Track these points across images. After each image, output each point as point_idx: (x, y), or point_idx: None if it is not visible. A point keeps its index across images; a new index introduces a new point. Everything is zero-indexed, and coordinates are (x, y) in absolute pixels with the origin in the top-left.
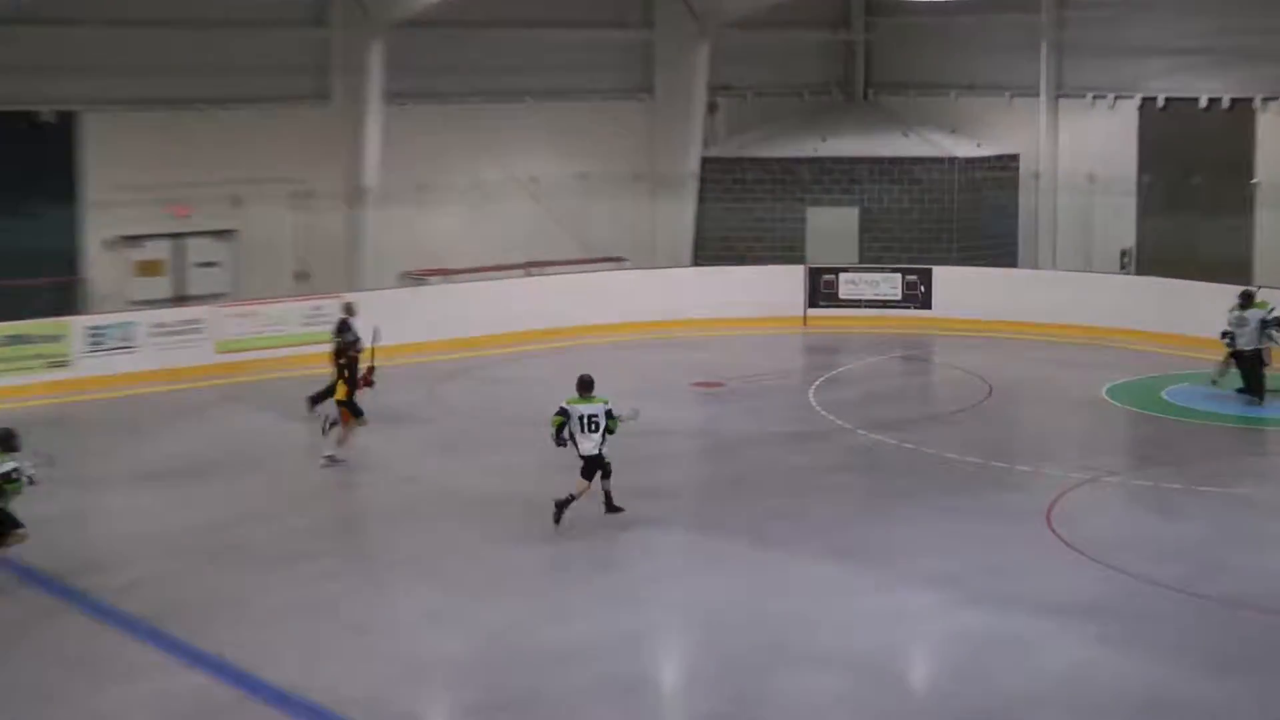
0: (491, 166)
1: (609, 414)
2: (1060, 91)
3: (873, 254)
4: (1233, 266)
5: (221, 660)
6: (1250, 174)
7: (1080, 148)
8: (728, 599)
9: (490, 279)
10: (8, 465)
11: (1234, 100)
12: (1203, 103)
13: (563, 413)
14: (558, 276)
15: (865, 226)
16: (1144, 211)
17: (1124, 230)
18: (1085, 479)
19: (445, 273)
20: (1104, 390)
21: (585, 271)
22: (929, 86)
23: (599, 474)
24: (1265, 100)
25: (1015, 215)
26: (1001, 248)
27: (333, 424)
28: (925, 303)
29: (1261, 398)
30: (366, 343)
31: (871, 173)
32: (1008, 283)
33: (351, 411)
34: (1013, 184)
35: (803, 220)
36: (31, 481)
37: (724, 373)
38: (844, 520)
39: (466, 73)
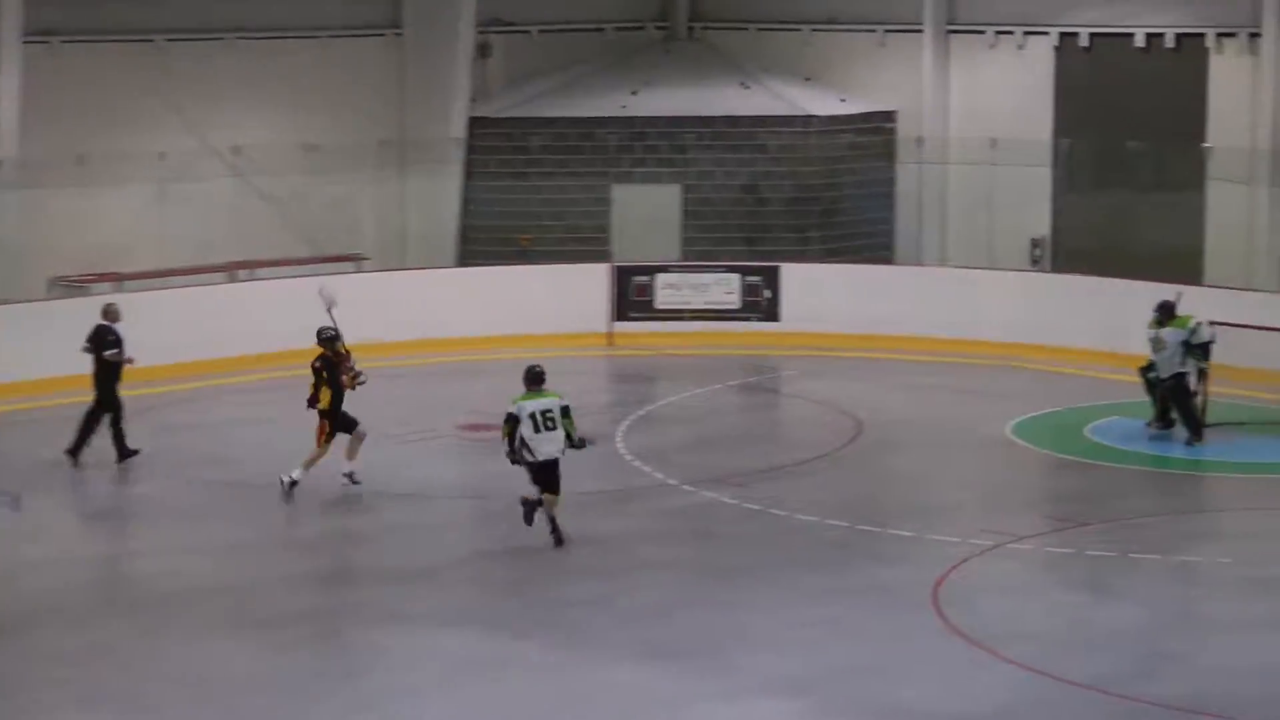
0: (183, 132)
1: (566, 410)
2: (951, 25)
3: (701, 248)
4: (1179, 258)
5: None
6: (1201, 136)
7: (978, 102)
8: (514, 718)
9: (180, 286)
10: None
11: (1180, 37)
12: (1140, 41)
13: (511, 418)
14: (275, 282)
15: (691, 211)
16: (1063, 188)
17: (1036, 213)
18: (985, 547)
19: (116, 278)
20: (1010, 427)
21: (313, 275)
22: (775, 21)
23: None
24: (1221, 37)
25: (892, 194)
26: (874, 237)
27: (291, 484)
28: (771, 313)
29: (1199, 434)
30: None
31: (700, 138)
32: (883, 284)
33: (341, 425)
34: (888, 151)
35: (607, 203)
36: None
37: (502, 411)
38: (667, 607)
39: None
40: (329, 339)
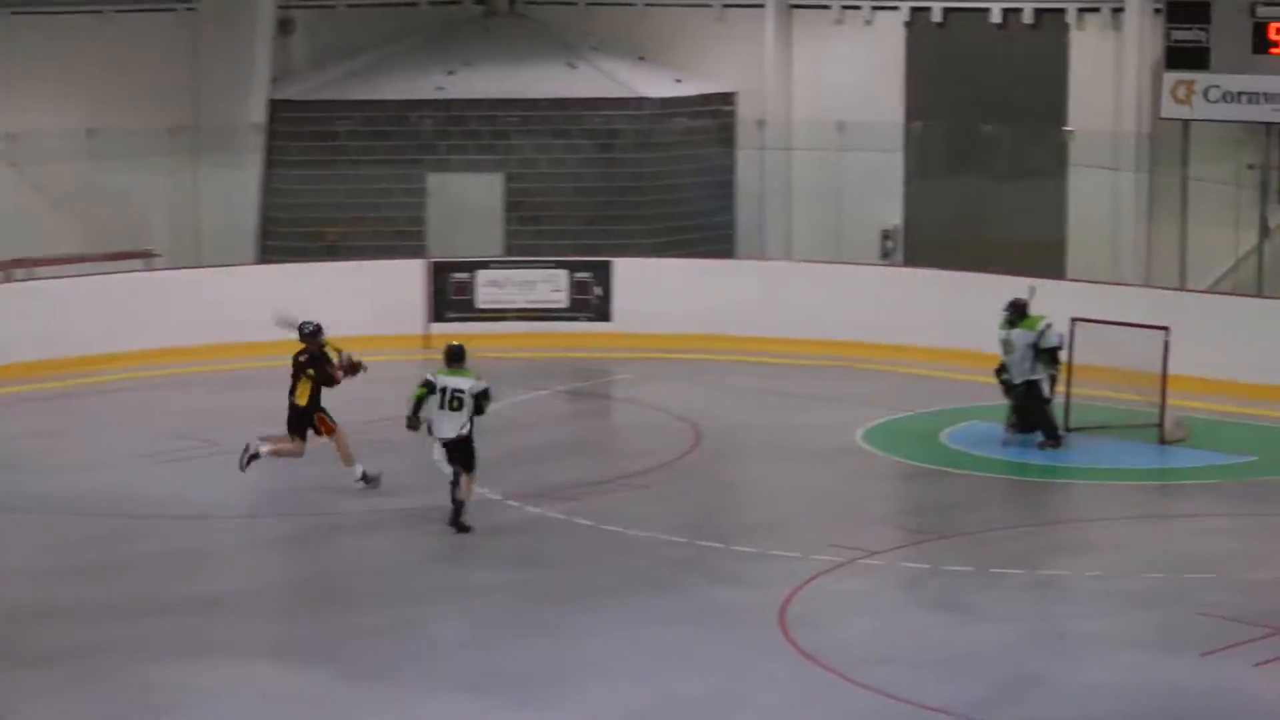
0: None
1: (481, 394)
2: (794, 0)
3: (525, 242)
4: (1039, 250)
5: None
6: (1061, 119)
7: (823, 83)
8: None
9: None
10: None
11: (1039, 13)
12: (996, 16)
13: (428, 385)
14: (56, 282)
15: (515, 202)
16: (915, 175)
17: (887, 202)
18: (835, 563)
19: None
20: (860, 434)
21: (96, 274)
22: None
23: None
24: (1082, 12)
25: (732, 182)
26: (713, 229)
27: (251, 457)
28: (603, 312)
29: (1055, 440)
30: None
31: (523, 122)
32: (723, 280)
33: (305, 426)
34: (728, 136)
35: (423, 193)
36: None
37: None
38: (486, 636)
39: None
40: (312, 333)
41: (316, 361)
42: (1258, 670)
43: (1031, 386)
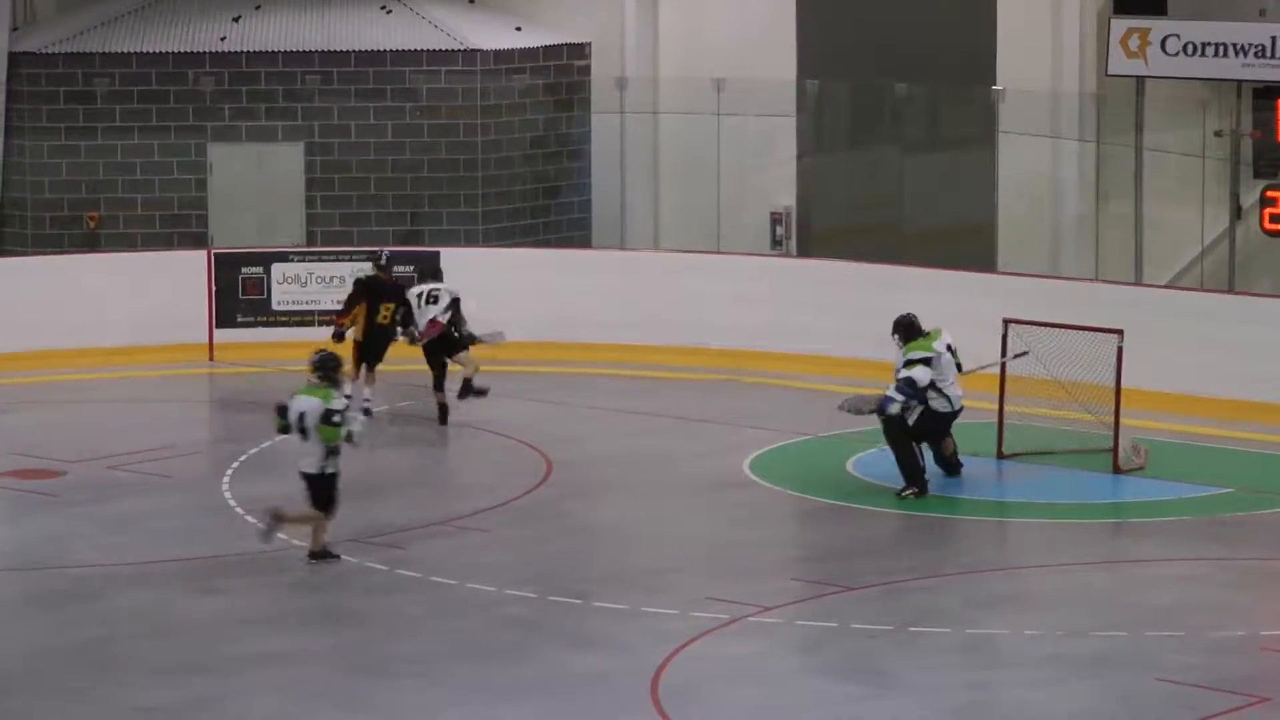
0: None
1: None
2: None
3: (333, 228)
4: (966, 236)
5: None
6: (990, 78)
7: (697, 32)
8: None
9: None
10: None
11: None
12: None
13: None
14: None
15: (319, 179)
16: (811, 145)
17: (778, 178)
18: (719, 621)
19: None
20: (747, 462)
21: None
22: None
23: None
24: None
25: (586, 154)
26: (564, 212)
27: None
28: None
29: (919, 486)
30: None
31: (327, 80)
32: (576, 275)
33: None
34: (583, 97)
35: (204, 168)
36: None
37: (62, 451)
38: (292, 716)
39: None
40: (385, 264)
41: (374, 292)
42: None
43: (895, 420)
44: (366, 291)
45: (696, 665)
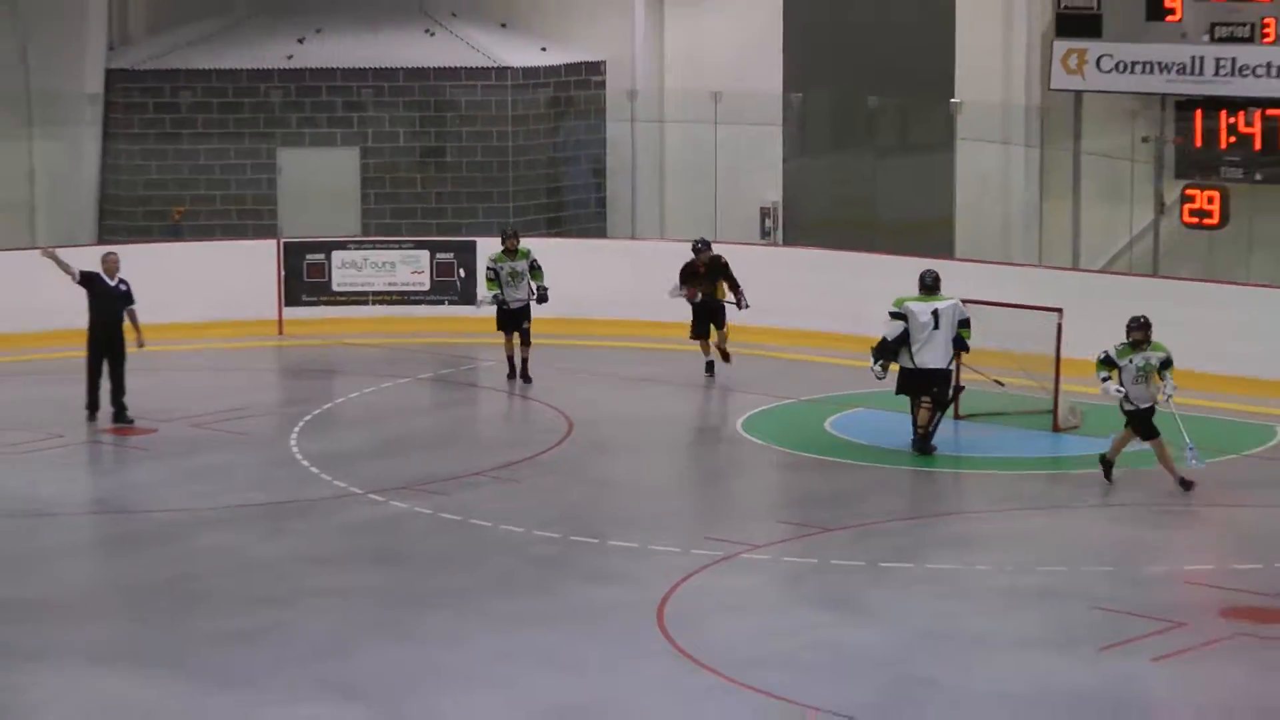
0: None
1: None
2: None
3: (384, 221)
4: (928, 229)
5: None
6: (949, 90)
7: (698, 52)
8: None
9: None
10: None
11: None
12: None
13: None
14: None
15: (372, 178)
16: (795, 149)
17: (767, 178)
18: (715, 558)
19: None
20: (740, 422)
21: None
22: None
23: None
24: None
25: (602, 157)
26: (582, 207)
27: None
28: (467, 295)
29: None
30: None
31: (379, 94)
32: (593, 261)
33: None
34: (599, 108)
35: (273, 169)
36: None
37: (153, 412)
38: (349, 640)
39: None
40: (701, 247)
41: (690, 275)
42: (1156, 665)
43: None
44: (687, 272)
45: (697, 596)
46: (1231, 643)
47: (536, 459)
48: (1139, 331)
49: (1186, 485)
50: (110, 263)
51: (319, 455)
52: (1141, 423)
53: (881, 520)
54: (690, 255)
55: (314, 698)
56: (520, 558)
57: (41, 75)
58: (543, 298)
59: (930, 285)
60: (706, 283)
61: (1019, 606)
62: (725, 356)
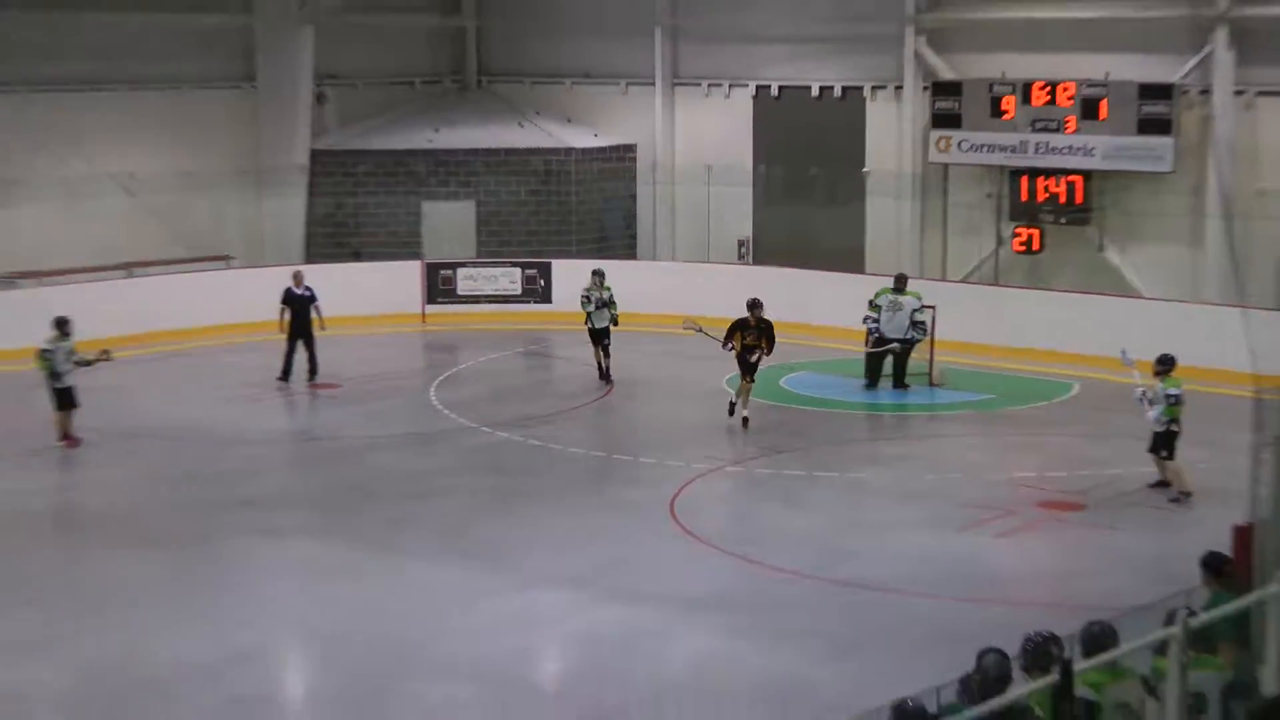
0: (79, 160)
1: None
2: (676, 80)
3: (491, 248)
4: (847, 255)
5: None
6: (861, 162)
7: (697, 137)
8: (350, 610)
9: (87, 281)
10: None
11: (845, 89)
12: (815, 92)
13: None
14: (159, 278)
15: (483, 220)
16: (761, 201)
17: (742, 220)
18: (709, 469)
19: (36, 275)
20: (724, 381)
21: (190, 271)
22: (543, 75)
23: None
24: (874, 89)
25: (633, 207)
26: (620, 239)
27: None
28: (545, 296)
29: (892, 384)
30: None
31: (487, 165)
32: (628, 275)
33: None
34: (631, 174)
35: (419, 215)
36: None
37: (339, 373)
38: (467, 522)
39: (44, 58)
40: (755, 305)
41: (737, 326)
42: (996, 539)
43: (907, 344)
44: (738, 325)
45: (696, 494)
46: (1045, 524)
47: (590, 404)
48: (1160, 365)
49: (1184, 496)
50: (298, 277)
51: (449, 401)
52: (1166, 442)
53: (816, 445)
54: (744, 312)
55: (446, 559)
56: (580, 468)
57: (269, 154)
58: (614, 320)
59: (898, 284)
60: (753, 335)
61: (907, 504)
62: (745, 424)
